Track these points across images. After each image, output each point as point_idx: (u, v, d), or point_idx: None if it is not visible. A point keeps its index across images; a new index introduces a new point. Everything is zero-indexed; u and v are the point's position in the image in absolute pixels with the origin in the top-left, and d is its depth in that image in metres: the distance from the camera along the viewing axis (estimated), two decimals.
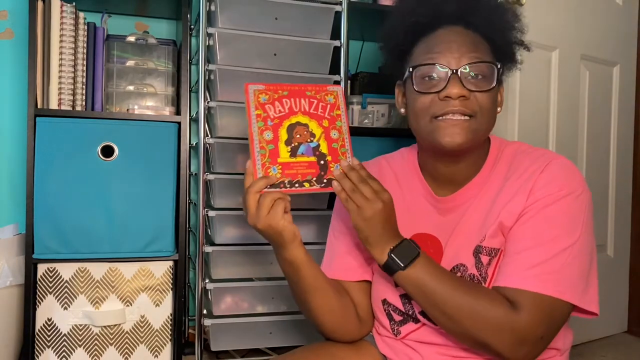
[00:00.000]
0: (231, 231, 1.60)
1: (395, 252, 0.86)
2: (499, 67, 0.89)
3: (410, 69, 0.91)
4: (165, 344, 1.63)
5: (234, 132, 1.60)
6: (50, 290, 1.53)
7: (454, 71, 0.87)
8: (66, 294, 1.54)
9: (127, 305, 1.58)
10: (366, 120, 1.87)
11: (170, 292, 1.63)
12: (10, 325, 1.55)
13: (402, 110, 0.99)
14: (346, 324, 0.99)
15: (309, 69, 1.65)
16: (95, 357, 1.57)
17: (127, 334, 1.59)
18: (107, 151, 1.56)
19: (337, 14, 1.67)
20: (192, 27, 1.72)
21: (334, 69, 1.67)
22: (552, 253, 0.83)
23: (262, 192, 0.85)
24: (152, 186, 1.58)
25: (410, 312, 0.95)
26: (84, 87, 1.62)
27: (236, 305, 1.64)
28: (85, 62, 1.62)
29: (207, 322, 1.56)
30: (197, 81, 1.58)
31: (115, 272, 1.57)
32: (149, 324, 1.61)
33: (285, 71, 1.62)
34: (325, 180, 0.90)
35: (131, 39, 1.70)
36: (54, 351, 1.54)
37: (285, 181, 0.88)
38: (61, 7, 1.56)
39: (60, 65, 1.56)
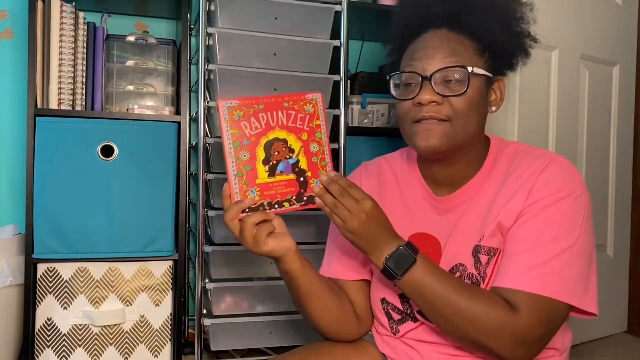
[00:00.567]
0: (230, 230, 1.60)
1: (391, 261, 0.85)
2: (471, 70, 0.88)
3: (389, 77, 0.94)
4: (165, 344, 1.63)
5: None
6: (50, 290, 1.53)
7: (426, 77, 0.88)
8: (66, 294, 1.54)
9: (127, 305, 1.58)
10: (366, 120, 1.87)
11: (170, 292, 1.63)
12: (10, 325, 1.55)
13: None
14: (344, 326, 1.00)
15: (309, 69, 1.65)
16: (95, 357, 1.57)
17: (127, 334, 1.59)
18: (107, 151, 1.56)
19: (337, 14, 1.66)
20: (192, 27, 1.72)
21: (334, 69, 1.67)
22: (552, 254, 0.83)
23: (239, 217, 0.85)
24: (152, 186, 1.58)
25: (409, 311, 0.95)
26: (84, 87, 1.62)
27: (236, 305, 1.64)
28: (85, 62, 1.62)
29: (207, 322, 1.56)
30: (197, 81, 1.58)
31: (115, 272, 1.57)
32: (149, 324, 1.61)
33: (285, 71, 1.62)
34: (305, 198, 0.88)
35: (131, 39, 1.70)
36: (54, 351, 1.54)
37: (265, 203, 0.86)
38: (61, 7, 1.56)
39: (60, 65, 1.57)
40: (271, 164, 0.87)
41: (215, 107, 1.57)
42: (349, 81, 1.79)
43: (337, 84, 1.67)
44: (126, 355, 1.59)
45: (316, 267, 1.01)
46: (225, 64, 1.57)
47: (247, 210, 0.85)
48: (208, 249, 1.56)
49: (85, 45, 1.62)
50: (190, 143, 1.73)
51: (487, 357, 0.86)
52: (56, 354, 1.54)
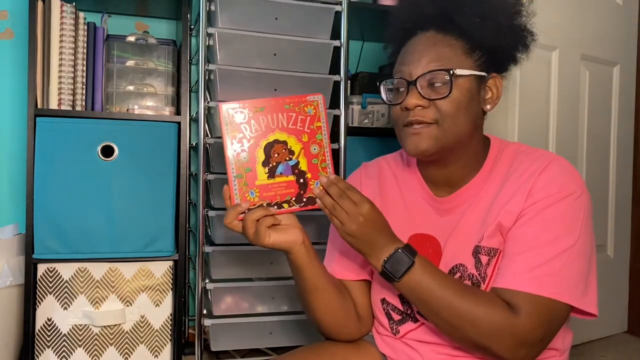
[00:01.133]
0: (231, 231, 1.60)
1: (389, 264, 0.85)
2: (452, 72, 0.88)
3: (378, 83, 0.96)
4: (165, 344, 1.63)
5: None
6: (50, 290, 1.53)
7: (411, 82, 0.89)
8: (66, 294, 1.54)
9: (127, 305, 1.58)
10: (366, 120, 1.87)
11: (170, 292, 1.63)
12: (10, 325, 1.55)
13: None
14: (346, 324, 0.99)
15: (309, 69, 1.65)
16: (95, 357, 1.57)
17: (127, 334, 1.59)
18: (107, 151, 1.56)
19: (337, 14, 1.66)
20: (192, 27, 1.72)
21: (334, 69, 1.67)
22: (551, 255, 0.83)
23: (239, 218, 0.87)
24: (152, 186, 1.58)
25: (408, 312, 0.95)
26: (84, 87, 1.62)
27: (236, 305, 1.64)
28: (85, 62, 1.62)
29: (207, 322, 1.56)
30: (197, 81, 1.58)
31: (115, 272, 1.57)
32: (149, 324, 1.61)
33: (285, 71, 1.62)
34: (304, 199, 0.88)
35: (131, 39, 1.70)
36: (54, 351, 1.54)
37: (264, 204, 0.87)
38: (61, 7, 1.56)
39: (60, 65, 1.57)
40: (270, 165, 0.87)
41: (216, 108, 1.57)
42: (349, 81, 1.79)
43: (337, 84, 1.67)
44: (126, 355, 1.59)
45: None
46: (225, 64, 1.57)
47: (247, 212, 0.86)
48: (208, 249, 1.56)
49: (85, 45, 1.62)
50: (190, 143, 1.73)
51: (488, 358, 0.86)
52: (56, 354, 1.54)
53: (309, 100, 0.90)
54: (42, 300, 1.53)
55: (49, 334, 1.54)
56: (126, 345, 1.59)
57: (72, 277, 1.54)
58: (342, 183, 0.87)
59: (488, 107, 0.94)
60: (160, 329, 1.62)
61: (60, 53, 1.56)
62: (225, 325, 1.59)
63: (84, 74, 1.62)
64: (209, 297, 1.59)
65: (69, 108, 1.58)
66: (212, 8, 1.58)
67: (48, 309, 1.53)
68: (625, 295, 2.31)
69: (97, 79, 1.64)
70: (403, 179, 1.03)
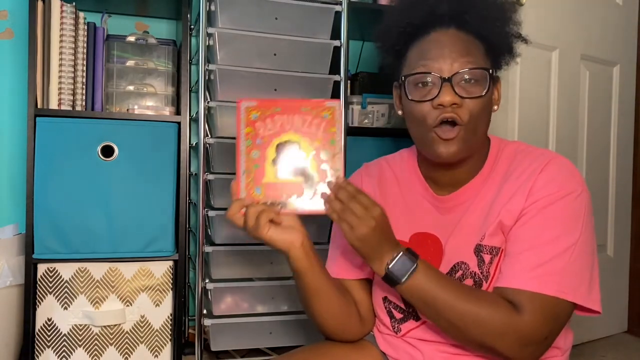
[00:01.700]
0: (231, 231, 1.60)
1: (393, 267, 0.85)
2: (491, 72, 0.88)
3: (403, 78, 0.92)
4: (165, 344, 1.63)
5: (234, 132, 1.59)
6: (50, 290, 1.53)
7: (446, 78, 0.87)
8: (66, 294, 1.54)
9: (127, 305, 1.58)
10: (366, 120, 1.87)
11: (170, 292, 1.63)
12: (10, 325, 1.55)
13: (400, 112, 1.00)
14: (349, 325, 0.99)
15: (309, 69, 1.65)
16: (95, 357, 1.57)
17: (127, 334, 1.59)
18: (107, 151, 1.56)
19: (337, 14, 1.66)
20: (192, 27, 1.72)
21: (334, 69, 1.67)
22: (554, 253, 0.83)
23: (241, 213, 0.86)
24: (152, 186, 1.58)
25: (410, 310, 0.95)
26: (84, 87, 1.62)
27: (236, 305, 1.64)
28: (85, 62, 1.62)
29: (207, 322, 1.56)
30: (197, 81, 1.58)
31: (115, 272, 1.57)
32: (149, 324, 1.61)
33: (285, 71, 1.62)
34: (310, 203, 0.88)
35: (131, 39, 1.70)
36: (54, 351, 1.54)
37: (268, 202, 0.87)
38: (61, 7, 1.56)
39: (60, 65, 1.56)
40: (280, 165, 0.88)
41: (217, 108, 1.57)
42: (349, 81, 1.79)
43: (337, 84, 1.67)
44: (126, 355, 1.59)
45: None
46: (225, 64, 1.57)
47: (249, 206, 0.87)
48: (208, 249, 1.56)
49: (85, 45, 1.62)
50: (190, 143, 1.73)
51: (490, 357, 0.86)
52: (56, 354, 1.54)
53: (327, 106, 0.90)
54: (42, 300, 1.53)
55: (49, 334, 1.54)
56: (126, 345, 1.59)
57: (72, 277, 1.54)
58: (352, 187, 0.85)
59: (495, 107, 0.95)
60: (160, 329, 1.62)
61: (60, 53, 1.56)
62: (225, 325, 1.59)
63: (84, 74, 1.62)
64: (209, 297, 1.59)
65: (69, 108, 1.58)
66: (212, 8, 1.58)
67: (48, 309, 1.53)
68: (625, 295, 2.31)
69: (97, 79, 1.64)
70: (404, 178, 1.03)
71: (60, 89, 1.57)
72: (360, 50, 2.12)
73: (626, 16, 2.23)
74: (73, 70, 1.58)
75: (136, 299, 1.59)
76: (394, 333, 0.98)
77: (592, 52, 2.09)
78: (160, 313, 1.61)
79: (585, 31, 2.06)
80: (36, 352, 1.53)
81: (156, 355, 1.62)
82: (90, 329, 1.56)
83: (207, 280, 1.59)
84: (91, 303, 1.56)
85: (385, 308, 0.99)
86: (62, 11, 1.56)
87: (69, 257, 1.53)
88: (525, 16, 1.01)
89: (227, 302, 1.63)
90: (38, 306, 1.53)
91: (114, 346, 1.58)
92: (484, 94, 0.87)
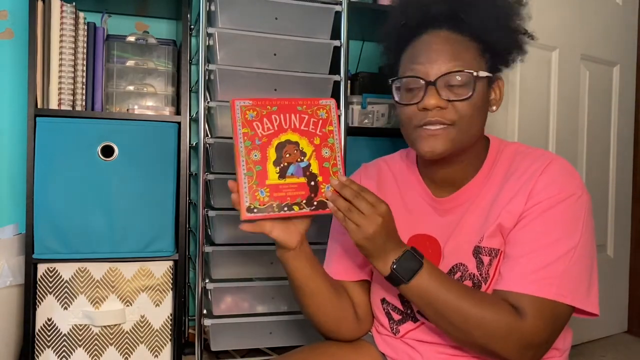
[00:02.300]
0: (231, 231, 1.60)
1: (398, 266, 0.84)
2: (476, 74, 0.88)
3: (390, 81, 0.93)
4: (165, 344, 1.63)
5: (231, 132, 1.60)
6: (50, 290, 1.53)
7: (431, 82, 0.87)
8: (66, 294, 1.54)
9: (127, 305, 1.58)
10: (366, 120, 1.87)
11: (170, 292, 1.63)
12: (10, 325, 1.55)
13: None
14: (343, 324, 1.00)
15: (309, 69, 1.65)
16: (95, 357, 1.57)
17: (127, 334, 1.59)
18: (107, 151, 1.56)
19: (337, 14, 1.66)
20: (192, 27, 1.72)
21: (334, 69, 1.67)
22: (554, 257, 0.83)
23: (248, 217, 0.85)
24: (152, 186, 1.58)
25: (408, 311, 0.95)
26: (84, 87, 1.62)
27: (236, 305, 1.64)
28: (85, 62, 1.62)
29: (207, 322, 1.56)
30: (197, 81, 1.58)
31: (115, 272, 1.57)
32: (149, 324, 1.61)
33: (285, 71, 1.62)
34: (315, 203, 0.87)
35: (131, 39, 1.70)
36: (54, 351, 1.54)
37: (274, 204, 0.85)
38: (61, 7, 1.56)
39: (60, 65, 1.56)
40: (282, 165, 0.86)
41: (217, 108, 1.57)
42: (349, 81, 1.79)
43: (337, 84, 1.67)
44: (126, 355, 1.59)
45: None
46: (225, 64, 1.57)
47: (255, 210, 0.84)
48: (208, 249, 1.56)
49: (85, 45, 1.62)
50: (190, 143, 1.73)
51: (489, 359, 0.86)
52: (56, 354, 1.54)
53: (322, 104, 0.90)
54: (42, 300, 1.53)
55: (49, 334, 1.54)
56: (126, 345, 1.59)
57: (72, 277, 1.54)
58: (356, 185, 0.85)
59: (494, 108, 0.94)
60: (160, 329, 1.62)
61: (60, 53, 1.56)
62: (225, 325, 1.59)
63: (84, 74, 1.62)
64: (209, 297, 1.59)
65: (69, 108, 1.58)
66: (212, 8, 1.58)
67: (48, 309, 1.53)
68: (625, 295, 2.31)
69: (97, 79, 1.64)
70: (402, 179, 1.03)
71: (60, 89, 1.57)
72: (360, 50, 2.12)
73: (626, 16, 2.23)
74: (73, 70, 1.58)
75: (136, 299, 1.59)
76: (392, 334, 0.98)
77: (592, 52, 2.09)
78: (160, 313, 1.61)
79: (585, 31, 2.06)
80: (36, 352, 1.53)
81: (156, 355, 1.62)
82: (90, 329, 1.56)
83: (207, 280, 1.59)
84: (91, 303, 1.56)
85: (384, 309, 0.99)
86: (62, 11, 1.56)
87: (69, 257, 1.53)
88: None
89: (227, 302, 1.63)
90: (38, 306, 1.53)
91: (114, 346, 1.58)
92: (468, 96, 0.87)
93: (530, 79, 1.88)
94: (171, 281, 1.63)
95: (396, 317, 0.97)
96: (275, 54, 1.62)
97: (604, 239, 2.20)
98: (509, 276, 0.85)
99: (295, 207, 0.86)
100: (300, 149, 0.87)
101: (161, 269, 1.61)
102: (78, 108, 1.60)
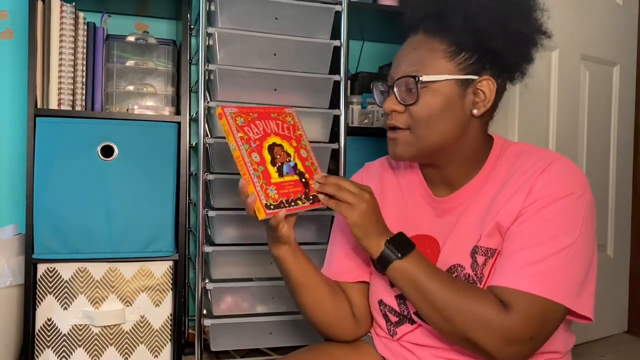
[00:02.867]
0: (231, 231, 1.60)
1: (392, 242, 0.87)
2: (418, 79, 0.87)
3: (371, 85, 0.99)
4: (165, 344, 1.63)
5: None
6: (50, 290, 1.53)
7: (391, 87, 0.91)
8: (66, 294, 1.54)
9: (127, 305, 1.58)
10: (366, 120, 1.87)
11: (170, 292, 1.63)
12: (10, 325, 1.55)
13: None
14: (339, 323, 1.00)
15: (309, 69, 1.65)
16: (95, 357, 1.57)
17: (127, 334, 1.59)
18: (107, 151, 1.56)
19: (337, 14, 1.66)
20: (192, 27, 1.72)
21: (334, 68, 1.67)
22: (548, 253, 0.81)
23: (269, 214, 0.87)
24: (152, 186, 1.58)
25: (405, 313, 0.95)
26: (84, 87, 1.62)
27: (236, 305, 1.64)
28: (85, 62, 1.62)
29: (207, 322, 1.56)
30: (197, 81, 1.58)
31: (115, 272, 1.57)
32: (149, 324, 1.61)
33: (285, 71, 1.62)
34: (311, 197, 0.92)
35: (131, 39, 1.70)
36: (54, 351, 1.54)
37: (284, 201, 0.89)
38: (61, 7, 1.56)
39: (60, 65, 1.56)
40: (277, 165, 0.91)
41: (217, 112, 1.56)
42: (349, 81, 1.79)
43: (337, 84, 1.67)
44: (126, 355, 1.59)
45: (317, 267, 1.02)
46: (225, 64, 1.57)
47: (272, 207, 0.87)
48: (208, 249, 1.56)
49: (85, 45, 1.62)
50: (190, 143, 1.73)
51: (479, 357, 0.86)
52: (56, 354, 1.54)
53: (287, 112, 0.98)
54: (42, 300, 1.53)
55: (49, 334, 1.54)
56: (126, 345, 1.59)
57: (72, 277, 1.54)
58: (332, 178, 0.90)
59: (474, 111, 0.90)
60: (160, 329, 1.62)
61: (60, 53, 1.56)
62: (225, 325, 1.59)
63: (84, 74, 1.62)
64: (209, 297, 1.59)
65: (69, 108, 1.58)
66: (212, 8, 1.58)
67: (48, 309, 1.53)
68: (625, 295, 2.31)
69: (97, 79, 1.64)
70: (404, 178, 1.03)
71: (60, 89, 1.57)
72: (360, 50, 2.12)
73: (626, 16, 2.23)
74: (73, 70, 1.58)
75: (136, 299, 1.59)
76: (390, 336, 0.98)
77: (592, 52, 2.09)
78: (160, 313, 1.61)
79: (585, 31, 2.06)
80: (36, 352, 1.53)
81: (156, 356, 1.62)
82: (90, 329, 1.56)
83: (207, 280, 1.59)
84: (91, 303, 1.56)
85: (381, 311, 0.99)
86: (62, 11, 1.56)
87: (69, 257, 1.53)
88: None
89: (227, 302, 1.63)
90: (38, 306, 1.53)
91: (114, 346, 1.58)
92: (413, 102, 0.88)
93: (531, 78, 1.87)
94: (171, 281, 1.63)
95: (393, 319, 0.97)
96: (275, 54, 1.62)
97: (604, 239, 2.20)
98: (500, 271, 0.84)
99: (299, 202, 0.91)
100: (285, 150, 0.93)
101: (161, 269, 1.61)
102: (78, 108, 1.60)
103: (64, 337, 1.55)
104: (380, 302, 0.99)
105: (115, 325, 1.58)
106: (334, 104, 1.69)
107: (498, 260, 0.87)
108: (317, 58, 1.66)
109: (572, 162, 0.89)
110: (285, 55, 1.62)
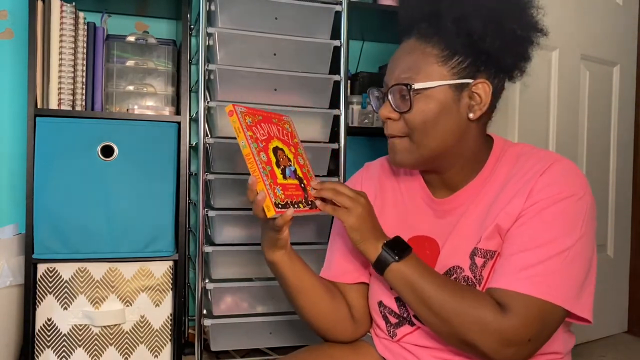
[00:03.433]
0: (231, 231, 1.60)
1: (389, 245, 0.87)
2: (410, 87, 0.86)
3: (368, 91, 0.99)
4: (165, 344, 1.63)
5: (233, 133, 1.60)
6: (50, 290, 1.53)
7: (385, 94, 0.91)
8: (66, 294, 1.54)
9: (127, 305, 1.59)
10: (366, 120, 1.87)
11: (170, 292, 1.63)
12: (10, 325, 1.55)
13: None
14: (338, 325, 1.00)
15: (309, 68, 1.65)
16: (95, 357, 1.57)
17: (127, 334, 1.59)
18: (107, 151, 1.56)
19: (337, 14, 1.66)
20: (192, 27, 1.72)
21: (334, 69, 1.67)
22: (547, 255, 0.81)
23: (280, 212, 0.86)
24: (152, 186, 1.58)
25: (405, 315, 0.95)
26: (84, 87, 1.62)
27: (236, 305, 1.64)
28: (85, 62, 1.62)
29: (207, 322, 1.56)
30: (197, 81, 1.58)
31: (115, 272, 1.57)
32: (149, 324, 1.61)
33: (285, 71, 1.62)
34: (309, 202, 0.92)
35: (131, 38, 1.70)
36: (54, 351, 1.54)
37: (289, 202, 0.89)
38: (61, 7, 1.56)
39: (60, 65, 1.56)
40: (281, 167, 0.90)
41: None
42: (349, 81, 1.79)
43: (337, 84, 1.67)
44: (126, 355, 1.59)
45: (316, 268, 1.03)
46: (225, 64, 1.57)
47: (280, 206, 0.87)
48: (208, 249, 1.56)
49: (85, 45, 1.62)
50: (190, 143, 1.73)
51: (476, 358, 0.85)
52: (56, 354, 1.54)
53: (285, 120, 0.99)
54: (42, 300, 1.53)
55: (49, 334, 1.54)
56: (126, 345, 1.59)
57: (72, 277, 1.54)
58: (329, 184, 0.90)
59: (471, 115, 0.89)
60: (160, 329, 1.62)
61: (60, 53, 1.56)
62: (225, 325, 1.59)
63: (84, 74, 1.62)
64: (209, 297, 1.59)
65: (69, 108, 1.58)
66: (212, 8, 1.58)
67: (48, 309, 1.54)
68: (625, 295, 2.31)
69: (97, 79, 1.64)
70: (404, 179, 1.03)
71: (60, 88, 1.57)
72: (360, 50, 2.12)
73: (626, 16, 2.23)
74: (73, 70, 1.58)
75: (136, 299, 1.59)
76: (389, 338, 0.98)
77: (592, 52, 2.09)
78: (160, 313, 1.61)
79: (585, 31, 2.06)
80: (36, 352, 1.53)
81: (156, 356, 1.62)
82: (90, 329, 1.56)
83: (207, 280, 1.59)
84: (91, 303, 1.56)
85: (381, 312, 0.99)
86: (62, 11, 1.56)
87: (69, 257, 1.53)
88: None
89: (227, 302, 1.63)
90: (38, 306, 1.53)
91: (114, 346, 1.58)
92: (407, 109, 0.88)
93: (530, 79, 1.87)
94: (171, 281, 1.63)
95: (393, 320, 0.97)
96: (275, 54, 1.62)
97: (604, 239, 2.20)
98: (499, 273, 0.84)
99: (301, 205, 0.90)
100: (286, 155, 0.93)
101: (161, 269, 1.61)
102: (78, 108, 1.60)
103: (64, 337, 1.55)
104: (380, 304, 0.98)
105: (115, 325, 1.58)
106: (334, 104, 1.69)
107: (497, 262, 0.87)
108: (317, 58, 1.66)
109: (573, 163, 0.88)
110: (285, 55, 1.62)
